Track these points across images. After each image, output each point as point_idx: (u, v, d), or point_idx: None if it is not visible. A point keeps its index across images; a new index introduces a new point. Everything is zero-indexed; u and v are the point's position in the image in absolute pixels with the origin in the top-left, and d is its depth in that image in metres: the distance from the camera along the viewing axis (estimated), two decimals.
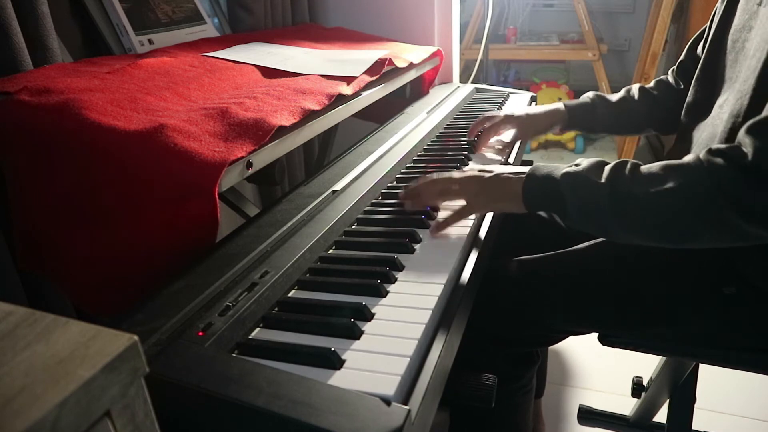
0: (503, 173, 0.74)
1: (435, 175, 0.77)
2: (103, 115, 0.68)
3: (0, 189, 0.72)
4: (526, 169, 0.73)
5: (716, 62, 0.85)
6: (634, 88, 1.08)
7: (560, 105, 1.09)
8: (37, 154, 0.67)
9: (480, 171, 0.75)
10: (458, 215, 0.74)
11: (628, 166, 0.67)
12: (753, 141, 0.62)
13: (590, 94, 1.09)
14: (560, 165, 0.72)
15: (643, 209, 0.65)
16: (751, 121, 0.64)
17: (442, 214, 0.76)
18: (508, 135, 1.09)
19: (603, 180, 0.67)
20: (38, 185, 0.68)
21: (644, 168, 0.67)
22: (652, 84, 1.09)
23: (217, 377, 0.45)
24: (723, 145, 0.64)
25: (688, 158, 0.66)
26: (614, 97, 1.08)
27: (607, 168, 0.68)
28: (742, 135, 0.64)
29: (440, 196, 0.76)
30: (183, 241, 0.66)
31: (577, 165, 0.70)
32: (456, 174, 0.76)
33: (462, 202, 0.75)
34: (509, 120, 1.07)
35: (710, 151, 0.64)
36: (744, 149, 0.62)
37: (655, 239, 0.68)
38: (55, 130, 0.67)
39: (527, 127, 1.07)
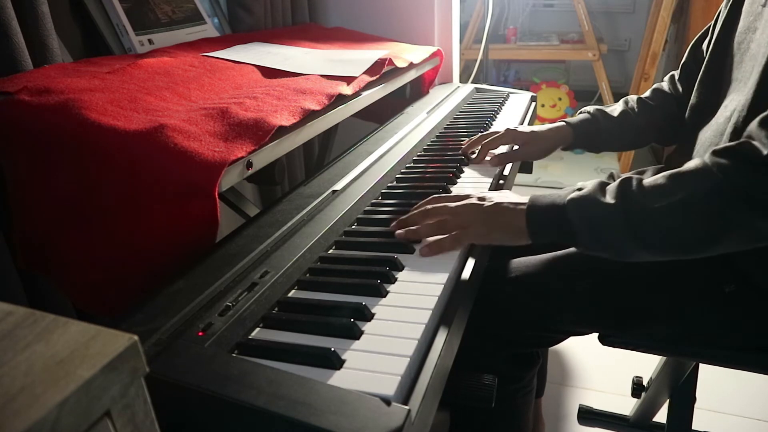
0: (503, 202, 0.70)
1: (429, 206, 0.72)
2: (103, 115, 0.68)
3: (0, 189, 0.72)
4: (525, 198, 0.71)
5: (721, 64, 0.84)
6: (632, 100, 1.03)
7: (563, 123, 1.01)
8: (37, 154, 0.67)
9: (479, 199, 0.72)
10: (455, 241, 0.68)
11: (633, 182, 0.65)
12: (767, 133, 0.60)
13: (590, 109, 1.02)
14: (559, 191, 0.69)
15: (659, 224, 0.63)
16: (763, 114, 0.62)
17: (433, 238, 0.69)
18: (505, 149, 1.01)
19: (613, 200, 0.64)
20: (38, 185, 0.68)
21: (649, 181, 0.65)
22: (648, 94, 1.04)
23: (217, 377, 0.45)
24: (728, 144, 0.62)
25: (692, 164, 0.64)
26: (615, 111, 1.01)
27: (612, 187, 0.66)
28: (754, 129, 0.62)
29: (437, 230, 0.69)
30: (183, 241, 0.66)
31: (579, 189, 0.68)
32: (452, 204, 0.72)
33: None
34: (512, 135, 0.98)
35: (715, 153, 0.63)
36: (755, 143, 0.60)
37: (675, 252, 0.65)
38: (55, 130, 0.67)
39: (532, 145, 0.98)
